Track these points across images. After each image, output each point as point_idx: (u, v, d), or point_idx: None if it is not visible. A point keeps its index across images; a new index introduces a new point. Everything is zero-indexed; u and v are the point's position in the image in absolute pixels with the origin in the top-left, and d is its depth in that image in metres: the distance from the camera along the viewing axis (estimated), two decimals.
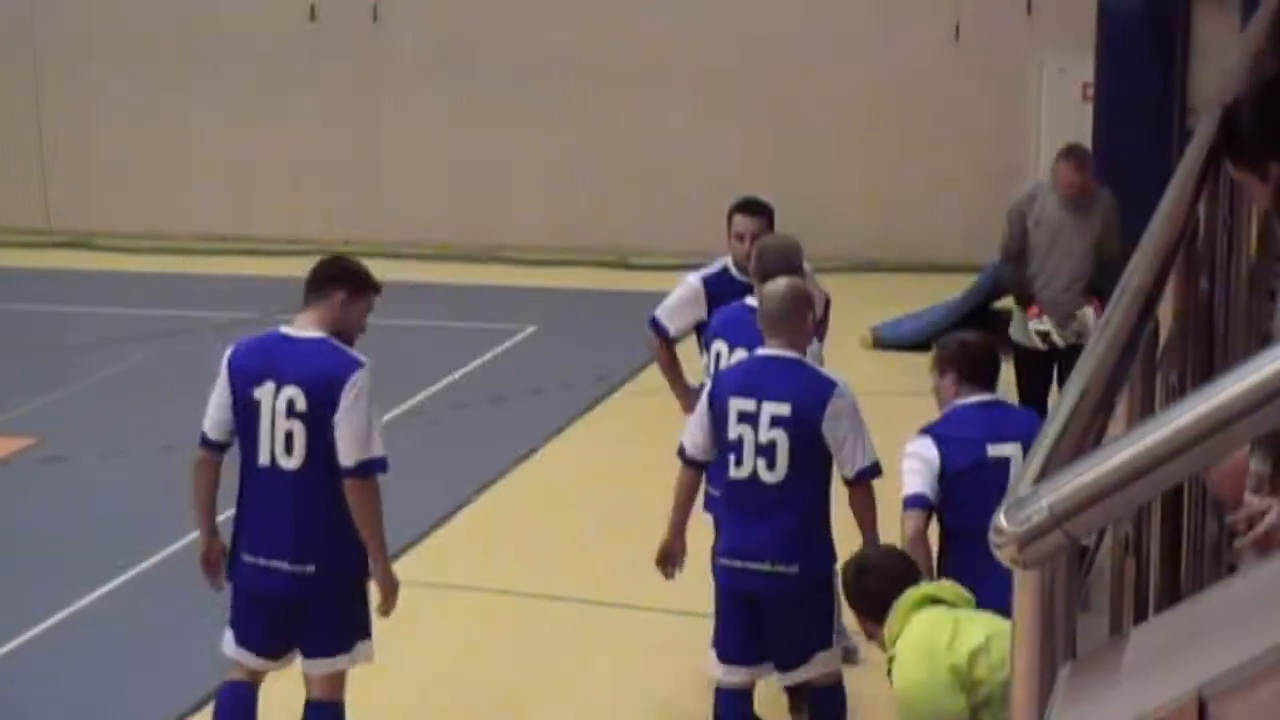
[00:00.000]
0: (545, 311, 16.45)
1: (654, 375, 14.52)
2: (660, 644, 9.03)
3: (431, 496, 11.03)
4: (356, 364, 6.88)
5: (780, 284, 7.33)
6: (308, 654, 7.08)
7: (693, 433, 7.33)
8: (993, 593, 6.37)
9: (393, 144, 19.28)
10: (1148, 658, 2.59)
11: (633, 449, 12.20)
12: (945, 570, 6.72)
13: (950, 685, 5.85)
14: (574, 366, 14.32)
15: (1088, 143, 14.71)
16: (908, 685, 5.91)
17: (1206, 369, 4.60)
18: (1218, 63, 10.24)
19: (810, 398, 7.07)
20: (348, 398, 6.80)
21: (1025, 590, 2.56)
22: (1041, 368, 10.32)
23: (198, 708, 8.37)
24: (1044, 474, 2.60)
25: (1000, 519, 2.49)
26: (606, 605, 9.49)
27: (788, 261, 7.79)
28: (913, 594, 6.07)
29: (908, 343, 14.51)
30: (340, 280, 7.04)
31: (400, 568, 10.12)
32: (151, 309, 16.50)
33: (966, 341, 7.12)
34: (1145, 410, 3.54)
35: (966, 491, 6.68)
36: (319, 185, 19.39)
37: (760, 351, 7.27)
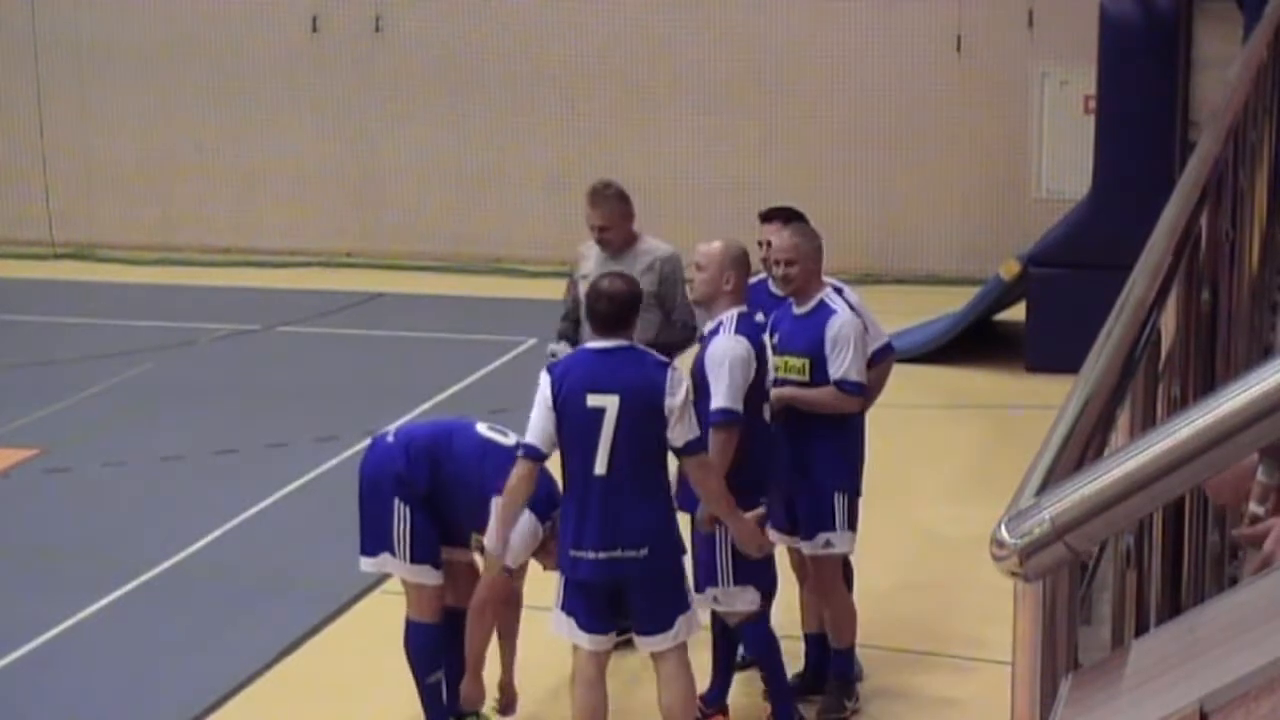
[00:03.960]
0: (546, 324, 16.33)
1: None
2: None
3: None
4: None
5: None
6: None
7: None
8: (594, 531, 7.09)
9: (394, 156, 19.27)
10: (1149, 670, 2.59)
11: None
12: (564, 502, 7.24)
13: None
14: None
15: (1089, 154, 14.75)
16: None
17: (1208, 381, 4.60)
18: (1219, 74, 10.22)
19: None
20: None
21: (1027, 602, 2.55)
22: None
23: (199, 718, 8.37)
24: (1045, 486, 2.60)
25: (1001, 531, 2.49)
26: None
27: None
28: None
29: (909, 355, 14.45)
30: None
31: (399, 579, 10.11)
32: (154, 320, 16.49)
33: (598, 285, 7.31)
34: (1147, 422, 3.53)
35: (570, 432, 7.11)
36: (321, 197, 19.38)
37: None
